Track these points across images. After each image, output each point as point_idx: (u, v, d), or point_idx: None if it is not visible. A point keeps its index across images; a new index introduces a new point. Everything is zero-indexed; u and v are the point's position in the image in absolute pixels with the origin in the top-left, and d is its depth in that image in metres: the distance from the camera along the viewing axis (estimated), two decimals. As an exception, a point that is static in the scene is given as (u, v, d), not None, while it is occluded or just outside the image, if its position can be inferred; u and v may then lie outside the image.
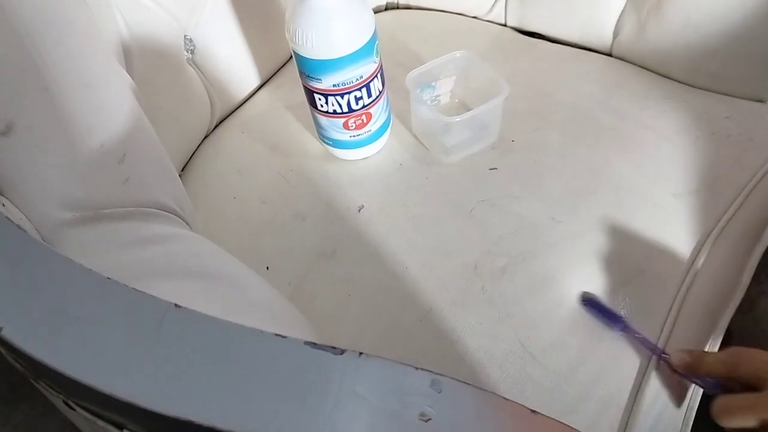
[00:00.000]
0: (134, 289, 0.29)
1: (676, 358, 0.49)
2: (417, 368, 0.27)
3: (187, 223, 0.45)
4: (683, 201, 0.60)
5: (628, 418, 0.49)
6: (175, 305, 0.28)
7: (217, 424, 0.25)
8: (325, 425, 0.25)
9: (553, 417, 0.48)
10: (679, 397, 0.52)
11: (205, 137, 0.72)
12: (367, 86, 0.57)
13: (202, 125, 0.70)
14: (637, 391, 0.50)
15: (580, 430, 0.49)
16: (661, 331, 0.54)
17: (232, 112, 0.74)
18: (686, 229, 0.59)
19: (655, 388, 0.50)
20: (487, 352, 0.52)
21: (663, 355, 0.50)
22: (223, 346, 0.27)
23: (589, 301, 0.54)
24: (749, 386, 0.43)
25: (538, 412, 0.28)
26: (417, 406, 0.26)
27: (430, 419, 0.26)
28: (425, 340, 0.53)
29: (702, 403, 0.53)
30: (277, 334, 0.27)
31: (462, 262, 0.57)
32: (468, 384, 0.27)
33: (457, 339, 0.53)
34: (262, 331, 0.27)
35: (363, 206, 0.61)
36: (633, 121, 0.67)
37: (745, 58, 0.68)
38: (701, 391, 0.53)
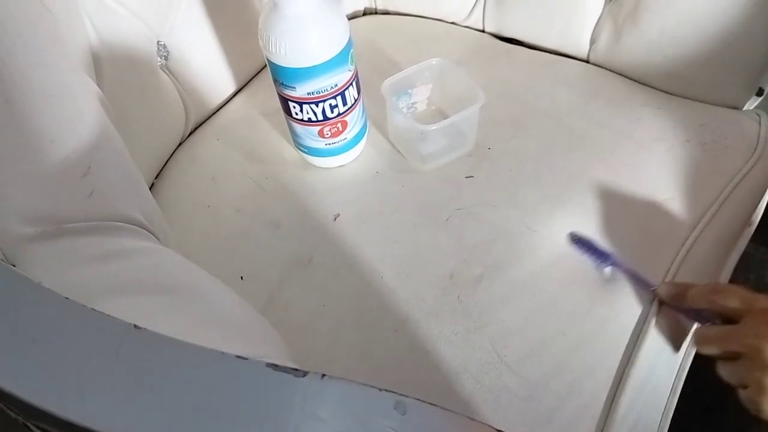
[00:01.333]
0: (93, 309, 0.29)
1: (663, 290, 0.53)
2: (381, 390, 0.27)
3: (156, 236, 0.44)
4: (658, 209, 0.61)
5: (603, 427, 0.49)
6: (135, 326, 0.27)
7: (175, 452, 0.24)
8: (284, 451, 0.24)
9: (526, 428, 0.48)
10: (654, 407, 0.52)
11: (179, 144, 0.71)
12: (342, 94, 0.57)
13: (176, 132, 0.69)
14: (612, 400, 0.50)
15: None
16: (640, 331, 0.54)
17: (207, 119, 0.73)
18: (661, 237, 0.59)
19: (630, 397, 0.50)
20: (462, 362, 0.52)
21: (652, 288, 0.54)
22: (182, 369, 0.27)
23: (579, 240, 0.56)
24: (728, 318, 0.47)
25: (503, 432, 0.28)
26: (380, 429, 0.26)
27: (393, 442, 0.25)
28: (400, 350, 0.53)
29: (675, 416, 0.53)
30: (238, 356, 0.27)
31: (437, 272, 0.57)
32: (433, 405, 0.27)
33: (432, 349, 0.53)
34: (222, 353, 0.27)
35: (339, 214, 0.61)
36: (609, 129, 0.67)
37: (720, 66, 0.68)
38: (675, 399, 0.54)
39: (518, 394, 0.50)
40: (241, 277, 0.58)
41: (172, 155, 0.70)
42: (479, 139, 0.66)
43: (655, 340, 0.53)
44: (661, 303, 0.54)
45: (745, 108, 0.72)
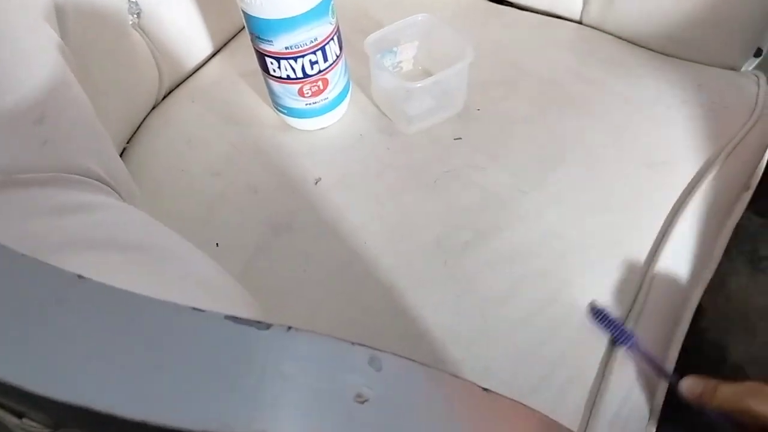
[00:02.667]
0: (35, 259, 0.26)
1: (686, 387, 0.44)
2: (354, 344, 0.24)
3: (118, 193, 0.41)
4: (655, 171, 0.58)
5: (595, 397, 0.47)
6: (79, 277, 0.25)
7: (119, 411, 0.21)
8: (243, 408, 0.22)
9: (514, 396, 0.46)
10: (647, 377, 0.50)
11: (154, 107, 0.67)
12: (323, 49, 0.54)
13: (149, 94, 0.65)
14: (604, 369, 0.48)
15: (544, 409, 0.47)
16: (632, 307, 0.51)
17: (183, 81, 0.70)
18: (658, 201, 0.57)
19: (622, 366, 0.48)
20: (449, 330, 0.49)
21: (671, 381, 0.47)
22: (131, 321, 0.24)
23: (598, 313, 0.49)
24: (765, 427, 0.38)
25: (490, 391, 0.25)
26: (353, 387, 0.23)
27: (366, 400, 0.23)
28: (385, 318, 0.50)
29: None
30: (194, 308, 0.24)
31: (424, 237, 0.54)
32: (412, 360, 0.24)
33: (419, 316, 0.50)
34: (176, 305, 0.24)
35: (320, 179, 0.58)
36: (603, 90, 0.64)
37: (718, 25, 0.66)
38: (669, 371, 0.51)
39: (507, 363, 0.48)
40: (217, 244, 0.55)
41: (145, 119, 0.66)
42: (468, 100, 0.63)
43: (654, 304, 0.50)
44: (682, 400, 0.45)
45: (743, 69, 0.69)
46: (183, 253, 0.38)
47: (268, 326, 0.24)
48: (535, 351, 0.48)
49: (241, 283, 0.53)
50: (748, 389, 0.39)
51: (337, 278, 0.52)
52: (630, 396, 0.48)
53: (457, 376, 0.25)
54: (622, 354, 0.48)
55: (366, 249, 0.54)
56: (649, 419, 0.50)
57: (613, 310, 0.50)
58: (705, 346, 1.00)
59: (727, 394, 0.40)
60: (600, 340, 0.49)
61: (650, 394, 0.50)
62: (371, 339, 0.49)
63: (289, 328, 0.24)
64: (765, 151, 0.65)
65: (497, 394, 0.25)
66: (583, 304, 0.50)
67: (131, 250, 0.35)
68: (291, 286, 0.52)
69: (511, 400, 0.26)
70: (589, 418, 0.46)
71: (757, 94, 0.65)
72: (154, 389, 0.22)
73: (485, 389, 0.25)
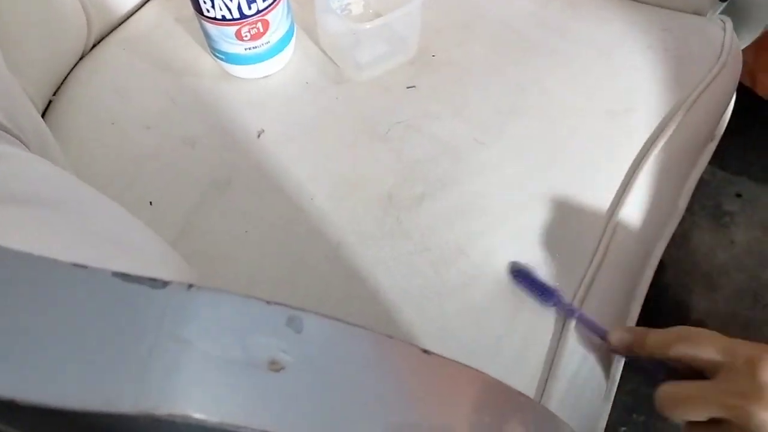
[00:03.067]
0: None
1: (616, 338, 0.43)
2: (270, 303, 0.20)
3: (24, 144, 0.37)
4: (618, 119, 0.55)
5: (554, 356, 0.45)
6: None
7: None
8: (130, 383, 0.18)
9: (472, 357, 0.43)
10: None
11: (82, 57, 0.61)
12: (261, -14, 0.49)
13: (75, 43, 0.59)
14: (563, 325, 0.45)
15: (503, 368, 0.44)
16: (591, 260, 0.49)
17: (115, 28, 0.64)
18: (621, 149, 0.54)
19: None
20: (402, 289, 0.46)
21: (602, 335, 0.44)
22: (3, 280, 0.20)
23: (519, 272, 0.47)
24: (697, 371, 0.37)
25: (432, 353, 0.22)
26: (267, 352, 0.19)
27: (283, 368, 0.19)
28: (333, 279, 0.47)
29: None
30: (75, 264, 0.20)
31: (375, 191, 0.51)
32: (339, 320, 0.21)
33: (369, 276, 0.47)
34: (53, 260, 0.20)
35: (263, 131, 0.54)
36: (565, 35, 0.60)
37: (684, -33, 0.62)
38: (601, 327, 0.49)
39: (463, 322, 0.45)
40: (150, 203, 0.50)
41: (73, 69, 0.60)
42: (422, 45, 0.59)
43: (613, 259, 0.48)
44: (614, 352, 0.44)
45: (709, 14, 0.66)
46: (96, 209, 0.34)
47: (164, 284, 0.20)
48: (492, 309, 0.45)
49: (178, 244, 0.49)
50: (675, 335, 0.39)
51: (281, 238, 0.49)
52: (590, 354, 0.46)
53: (393, 338, 0.22)
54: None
55: (312, 206, 0.50)
56: (609, 377, 0.48)
57: (574, 263, 0.47)
58: (667, 302, 0.99)
59: (656, 341, 0.40)
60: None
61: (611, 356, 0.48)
62: (318, 303, 0.46)
63: (191, 286, 0.20)
64: (731, 100, 0.63)
65: (440, 356, 0.22)
66: (542, 258, 0.47)
67: (31, 204, 0.30)
68: (231, 247, 0.48)
69: (456, 362, 0.23)
70: (547, 377, 0.44)
71: (723, 40, 0.62)
72: (22, 360, 0.18)
73: (426, 351, 0.22)
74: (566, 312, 0.45)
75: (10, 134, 0.35)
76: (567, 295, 0.46)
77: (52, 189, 0.33)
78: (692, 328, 0.39)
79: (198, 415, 0.18)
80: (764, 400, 0.33)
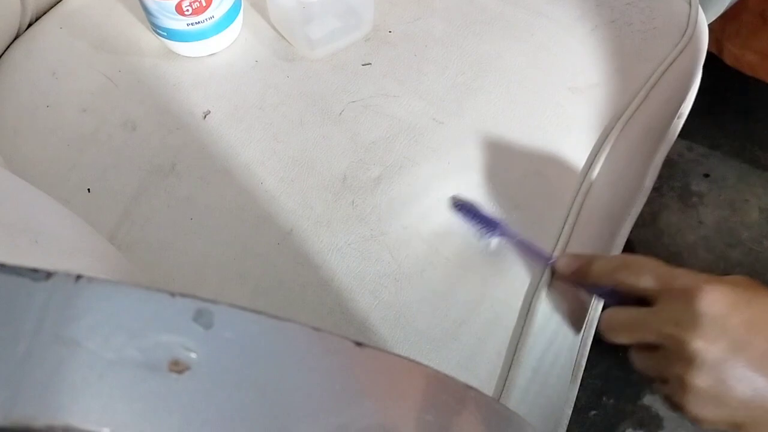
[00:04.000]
0: None
1: (562, 263, 0.43)
2: (174, 295, 0.18)
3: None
4: (581, 96, 0.53)
5: (518, 341, 0.43)
6: None
7: None
8: (3, 387, 0.15)
9: (431, 345, 0.41)
10: (577, 314, 0.46)
11: (16, 38, 0.57)
12: (201, -44, 0.46)
13: (9, 23, 0.55)
14: (528, 309, 0.44)
15: (463, 356, 0.42)
16: (557, 242, 0.47)
17: (51, 7, 0.60)
18: (585, 127, 0.52)
19: (548, 306, 0.43)
20: (357, 276, 0.44)
21: (549, 261, 0.44)
22: None
23: (462, 206, 0.46)
24: (641, 299, 0.37)
25: (366, 345, 0.20)
26: (167, 351, 0.17)
27: (188, 368, 0.17)
28: (284, 266, 0.44)
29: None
30: (-57, 255, 0.17)
31: (329, 174, 0.48)
32: (256, 312, 0.18)
33: (323, 263, 0.44)
34: None
35: (209, 112, 0.50)
36: (526, 8, 0.58)
37: (647, -62, 0.61)
38: (599, 308, 0.48)
39: (421, 309, 0.43)
40: (89, 189, 0.47)
41: (5, 51, 0.57)
42: (377, 20, 0.56)
43: (578, 239, 0.46)
44: (560, 279, 0.44)
45: (673, -13, 0.64)
46: (6, 194, 0.31)
47: (48, 275, 0.17)
48: (451, 294, 0.43)
49: (119, 234, 0.46)
50: (618, 263, 0.39)
51: (229, 225, 0.46)
52: (555, 340, 0.44)
53: (321, 330, 0.19)
54: (546, 295, 0.44)
55: (262, 190, 0.47)
56: (576, 363, 0.46)
57: (536, 241, 0.45)
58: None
59: (599, 268, 0.40)
60: (523, 280, 0.44)
61: (577, 336, 0.46)
62: (268, 292, 0.44)
63: (79, 277, 0.17)
64: (697, 76, 0.61)
65: (375, 348, 0.20)
66: (503, 242, 0.45)
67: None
68: (176, 235, 0.45)
69: (394, 354, 0.20)
70: (510, 364, 0.42)
71: (689, 14, 0.60)
72: None
73: (359, 343, 0.20)
74: (514, 242, 0.44)
75: None
76: (529, 280, 0.44)
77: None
78: (635, 256, 0.39)
79: (83, 426, 0.15)
80: (698, 329, 0.33)
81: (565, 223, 0.48)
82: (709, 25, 0.64)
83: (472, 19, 0.57)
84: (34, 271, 0.17)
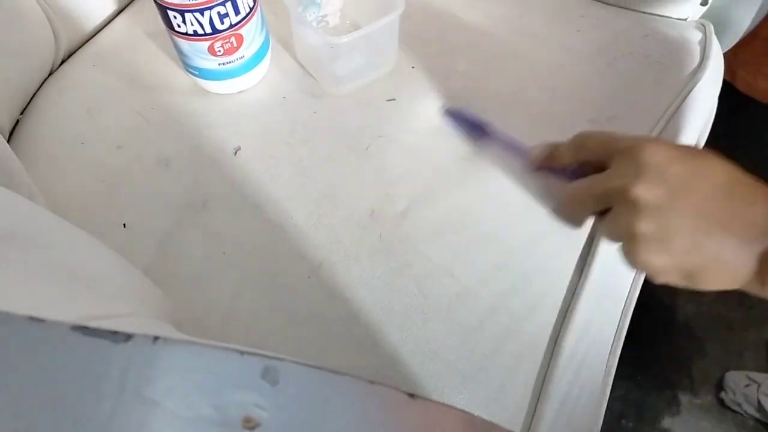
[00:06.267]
0: None
1: (532, 155, 0.46)
2: (243, 353, 0.19)
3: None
4: (601, 127, 0.54)
5: (545, 373, 0.44)
6: None
7: None
8: (91, 450, 0.17)
9: (460, 378, 0.42)
10: (602, 341, 0.47)
11: (50, 74, 0.59)
12: (233, 0, 0.47)
13: (43, 59, 0.57)
14: (555, 341, 0.45)
15: (491, 389, 0.43)
16: (584, 269, 0.48)
17: (84, 43, 0.62)
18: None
19: (575, 338, 0.44)
20: (385, 309, 0.45)
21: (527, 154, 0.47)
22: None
23: (452, 113, 0.50)
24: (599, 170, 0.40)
25: (417, 396, 0.21)
26: (240, 408, 0.18)
27: (259, 425, 0.18)
28: (314, 299, 0.46)
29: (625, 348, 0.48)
30: (31, 318, 0.18)
31: (356, 208, 0.49)
32: (318, 368, 0.20)
33: (352, 296, 0.46)
34: (7, 313, 0.18)
35: (239, 148, 0.52)
36: (545, 43, 0.60)
37: (663, -28, 0.62)
38: (625, 329, 0.49)
39: (449, 341, 0.44)
40: (124, 225, 0.49)
41: (40, 87, 0.58)
42: (401, 57, 0.57)
43: (600, 272, 0.47)
44: (535, 169, 0.46)
45: (689, 18, 0.66)
46: (60, 240, 0.32)
47: (127, 337, 0.18)
48: (479, 326, 0.44)
49: (153, 268, 0.47)
50: (578, 138, 0.42)
51: (260, 259, 0.47)
52: (581, 371, 0.45)
53: (376, 383, 0.20)
54: (572, 328, 0.44)
55: (292, 225, 0.48)
56: (601, 391, 0.47)
57: (556, 285, 0.46)
58: (653, 305, 0.99)
59: (564, 149, 0.43)
60: (550, 313, 0.45)
61: (603, 367, 0.47)
62: (299, 325, 0.45)
63: (156, 338, 0.18)
64: (713, 105, 0.62)
65: (426, 399, 0.21)
66: (531, 273, 0.46)
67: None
68: (208, 270, 0.47)
69: (442, 404, 0.21)
70: (538, 397, 0.43)
71: (704, 44, 0.61)
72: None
73: (411, 395, 0.21)
74: (499, 141, 0.48)
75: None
76: (558, 310, 0.45)
77: (9, 220, 0.31)
78: (586, 132, 0.42)
79: (167, 482, 0.17)
80: (640, 176, 0.35)
81: (590, 251, 0.49)
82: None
83: (492, 54, 0.58)
84: (114, 333, 0.18)
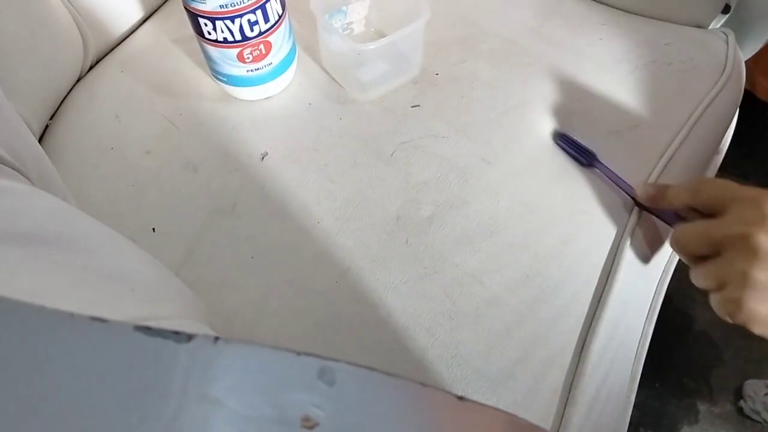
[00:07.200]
0: None
1: (641, 190, 0.48)
2: (299, 354, 0.19)
3: (26, 177, 0.35)
4: (623, 137, 0.55)
5: (572, 379, 0.44)
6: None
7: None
8: (158, 447, 0.17)
9: (488, 384, 0.42)
10: (628, 346, 0.47)
11: (79, 80, 0.60)
12: (263, 8, 0.48)
13: (72, 65, 0.58)
14: (582, 347, 0.45)
15: (519, 395, 0.43)
16: (604, 287, 0.48)
17: (111, 49, 0.63)
18: (627, 168, 0.53)
19: (601, 346, 0.44)
20: (413, 314, 0.45)
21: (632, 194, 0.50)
22: (14, 337, 0.19)
23: (563, 137, 0.53)
24: (710, 216, 0.41)
25: (466, 398, 0.21)
26: (298, 408, 0.18)
27: (317, 424, 0.18)
28: (342, 304, 0.46)
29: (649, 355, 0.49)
30: (94, 318, 0.19)
31: (383, 214, 0.50)
32: (372, 370, 0.20)
33: (379, 301, 0.46)
34: (72, 315, 0.19)
35: (266, 153, 0.53)
36: (567, 50, 0.60)
37: (685, -20, 0.62)
38: (649, 335, 0.49)
39: (477, 347, 0.44)
40: (153, 229, 0.49)
41: (69, 92, 0.59)
42: (425, 63, 0.58)
43: (626, 278, 0.47)
44: (639, 206, 0.49)
45: (711, 27, 0.66)
46: (102, 244, 0.33)
47: (189, 337, 0.19)
48: (507, 333, 0.44)
49: (182, 271, 0.48)
50: (693, 182, 0.44)
51: (288, 264, 0.48)
52: (608, 377, 0.45)
53: (427, 385, 0.21)
54: (599, 334, 0.45)
55: (319, 230, 0.49)
56: (627, 398, 0.47)
57: (582, 289, 0.46)
58: (671, 313, 0.99)
59: (676, 189, 0.45)
60: (577, 319, 0.45)
61: (629, 373, 0.47)
62: (326, 329, 0.45)
63: (217, 338, 0.19)
64: (735, 113, 0.63)
65: (474, 402, 0.21)
66: (559, 281, 0.47)
67: (35, 241, 0.29)
68: (237, 274, 0.47)
69: (488, 406, 0.22)
70: (566, 402, 0.43)
71: (726, 53, 0.62)
72: (45, 425, 0.17)
73: (460, 397, 0.21)
74: (604, 171, 0.51)
75: (10, 167, 0.34)
76: (582, 321, 0.45)
77: (54, 224, 0.31)
78: (705, 177, 0.46)
79: (230, 480, 0.17)
80: (765, 225, 0.36)
81: (614, 262, 0.49)
82: (744, 62, 0.65)
83: (516, 61, 0.59)
84: (177, 333, 0.19)
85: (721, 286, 0.38)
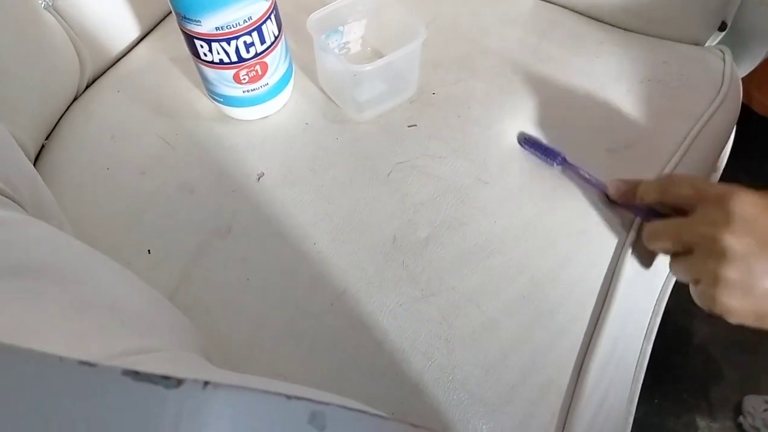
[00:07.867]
0: None
1: (612, 187, 0.49)
2: (290, 398, 0.19)
3: (20, 204, 0.35)
4: (620, 156, 0.55)
5: (570, 401, 0.44)
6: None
7: None
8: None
9: (485, 409, 0.42)
10: (625, 368, 0.47)
11: (75, 99, 0.60)
12: (259, 30, 0.48)
13: (68, 85, 0.58)
14: (579, 370, 0.44)
15: (516, 419, 0.43)
16: (609, 286, 0.48)
17: (107, 68, 0.63)
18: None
19: (599, 368, 0.44)
20: (409, 337, 0.45)
21: (603, 189, 0.50)
22: (1, 383, 0.18)
23: (527, 140, 0.53)
24: (681, 212, 0.42)
25: (460, 441, 0.21)
26: (289, 455, 0.18)
27: (307, 472, 0.18)
28: (338, 327, 0.46)
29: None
30: (82, 362, 0.19)
31: (379, 235, 0.50)
32: (363, 413, 0.20)
33: (375, 324, 0.46)
34: (60, 358, 0.19)
35: (263, 174, 0.52)
36: (564, 69, 0.60)
37: (681, -1, 0.62)
38: (647, 356, 0.49)
39: (474, 371, 0.44)
40: (149, 251, 0.49)
41: (65, 112, 0.59)
42: (422, 83, 0.58)
43: (625, 297, 0.47)
44: (611, 201, 0.50)
45: (707, 44, 0.66)
46: (94, 274, 0.32)
47: (178, 382, 0.18)
48: (503, 357, 0.44)
49: (178, 294, 0.48)
50: (663, 178, 0.45)
51: (283, 286, 0.47)
52: (606, 398, 0.45)
53: (418, 426, 0.20)
54: (596, 356, 0.44)
55: (315, 251, 0.49)
56: (625, 419, 0.47)
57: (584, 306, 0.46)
58: (669, 327, 0.98)
59: (646, 186, 0.46)
60: (573, 343, 0.45)
61: (627, 393, 0.47)
62: (322, 353, 0.45)
63: (206, 383, 0.19)
64: (732, 130, 0.62)
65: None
66: (556, 303, 0.46)
67: (30, 274, 0.29)
68: (232, 296, 0.47)
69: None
70: (564, 425, 0.43)
71: (723, 71, 0.62)
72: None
73: (454, 439, 0.21)
74: (571, 169, 0.51)
75: (5, 196, 0.34)
76: (580, 343, 0.45)
77: (47, 255, 0.31)
78: (675, 174, 0.46)
79: None
80: (730, 226, 0.37)
81: (610, 286, 0.49)
82: (740, 77, 0.65)
83: (512, 80, 0.59)
84: (166, 378, 0.18)
85: (696, 282, 0.40)
